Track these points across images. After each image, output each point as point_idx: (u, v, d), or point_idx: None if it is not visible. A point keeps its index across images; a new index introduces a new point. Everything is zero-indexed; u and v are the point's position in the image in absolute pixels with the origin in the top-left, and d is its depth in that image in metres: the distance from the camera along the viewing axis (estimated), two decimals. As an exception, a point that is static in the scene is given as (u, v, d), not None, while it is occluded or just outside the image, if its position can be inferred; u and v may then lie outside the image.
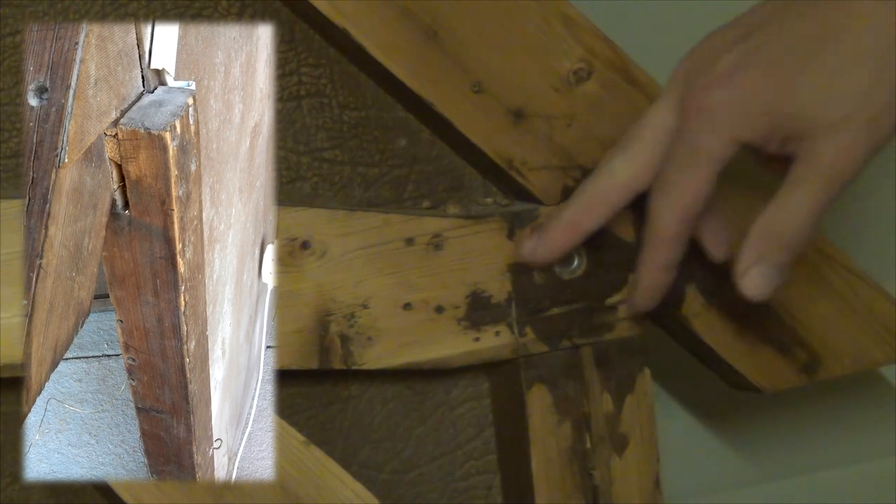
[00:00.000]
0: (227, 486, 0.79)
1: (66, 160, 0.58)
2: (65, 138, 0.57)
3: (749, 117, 0.75)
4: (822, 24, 0.73)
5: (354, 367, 0.81)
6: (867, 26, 0.72)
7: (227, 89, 0.76)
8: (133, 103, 0.63)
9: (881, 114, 0.73)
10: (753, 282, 0.77)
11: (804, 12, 0.74)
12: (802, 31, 0.74)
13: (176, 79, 0.65)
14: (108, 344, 1.16)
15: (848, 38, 0.73)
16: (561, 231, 0.82)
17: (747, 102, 0.75)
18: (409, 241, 0.82)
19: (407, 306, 0.82)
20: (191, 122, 0.64)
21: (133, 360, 0.75)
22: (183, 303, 0.71)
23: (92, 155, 0.61)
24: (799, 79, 0.73)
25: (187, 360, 0.75)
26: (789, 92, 0.74)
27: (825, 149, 0.73)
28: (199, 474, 0.85)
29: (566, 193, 0.84)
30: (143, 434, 0.82)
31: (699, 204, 0.78)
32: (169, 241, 0.67)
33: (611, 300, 0.85)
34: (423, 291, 0.82)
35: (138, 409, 0.79)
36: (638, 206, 0.84)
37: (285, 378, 0.82)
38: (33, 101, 0.56)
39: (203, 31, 0.71)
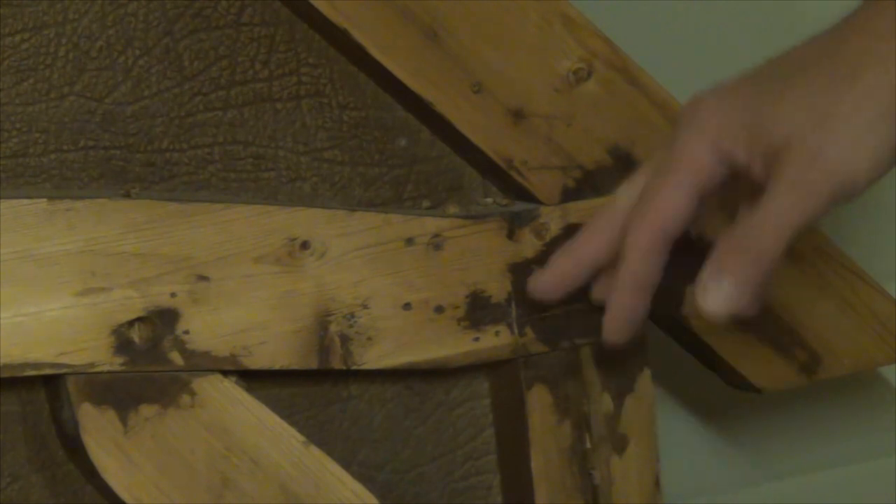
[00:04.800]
0: (227, 486, 0.79)
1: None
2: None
3: (733, 124, 0.74)
4: (818, 49, 0.74)
5: (354, 367, 0.81)
6: (863, 49, 0.72)
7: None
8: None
9: (861, 139, 0.71)
10: (710, 296, 0.74)
11: (806, 44, 0.75)
12: (799, 54, 0.74)
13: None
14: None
15: (838, 62, 0.72)
16: (562, 260, 0.81)
17: (734, 110, 0.74)
18: (409, 241, 0.82)
19: (407, 306, 0.82)
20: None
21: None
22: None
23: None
24: (786, 94, 0.73)
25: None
26: (775, 105, 0.73)
27: (799, 164, 0.72)
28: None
29: (566, 193, 0.84)
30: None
31: (676, 216, 0.76)
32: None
33: (611, 300, 0.85)
34: (423, 291, 0.82)
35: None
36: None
37: (285, 378, 0.82)
38: None
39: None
